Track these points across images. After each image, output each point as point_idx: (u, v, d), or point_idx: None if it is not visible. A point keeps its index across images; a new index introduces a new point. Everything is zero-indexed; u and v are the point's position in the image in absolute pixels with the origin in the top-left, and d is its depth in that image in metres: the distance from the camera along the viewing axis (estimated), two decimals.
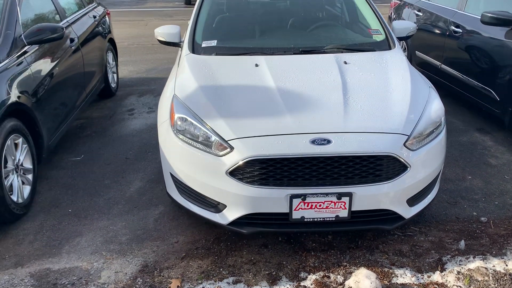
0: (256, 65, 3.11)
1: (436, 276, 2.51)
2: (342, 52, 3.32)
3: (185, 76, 3.10)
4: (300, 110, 2.63)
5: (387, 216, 2.64)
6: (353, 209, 2.53)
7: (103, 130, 4.75)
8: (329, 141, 2.46)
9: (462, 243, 2.81)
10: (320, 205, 2.50)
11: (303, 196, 2.46)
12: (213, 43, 3.42)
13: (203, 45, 3.43)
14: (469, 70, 4.79)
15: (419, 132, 2.63)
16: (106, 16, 5.85)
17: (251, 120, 2.59)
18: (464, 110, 5.11)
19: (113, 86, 5.76)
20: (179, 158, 2.71)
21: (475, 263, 2.52)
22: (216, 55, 3.31)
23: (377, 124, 2.58)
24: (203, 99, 2.81)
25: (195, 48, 3.43)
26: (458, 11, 5.15)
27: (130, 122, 4.98)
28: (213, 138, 2.57)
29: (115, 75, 5.95)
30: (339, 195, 2.47)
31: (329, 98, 2.74)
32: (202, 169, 2.60)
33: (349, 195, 2.48)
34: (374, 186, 2.50)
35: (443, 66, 5.36)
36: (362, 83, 2.91)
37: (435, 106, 2.83)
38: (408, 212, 2.69)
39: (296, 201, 2.48)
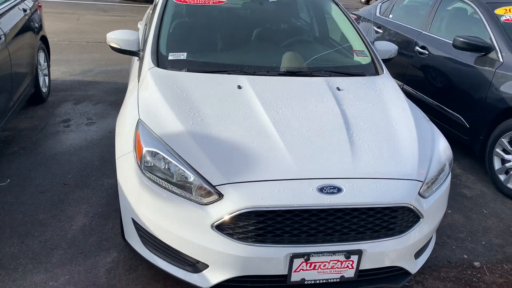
0: (239, 87, 2.62)
1: None
2: (330, 75, 2.93)
3: (152, 97, 2.52)
4: (301, 149, 2.19)
5: (393, 272, 2.28)
6: (360, 268, 2.14)
7: (34, 145, 3.97)
8: (339, 189, 2.05)
9: None
10: (324, 265, 2.08)
11: (307, 256, 2.02)
12: (182, 55, 2.87)
13: (170, 57, 2.87)
14: (435, 94, 4.66)
15: (431, 177, 2.31)
16: (38, 9, 5.02)
17: (244, 161, 2.10)
18: None
19: (44, 91, 4.94)
20: (146, 203, 2.15)
21: None
22: (187, 71, 2.76)
23: (390, 168, 2.21)
24: (179, 128, 2.26)
25: (160, 61, 2.85)
26: (423, 32, 5.02)
27: (66, 136, 4.23)
28: (192, 178, 2.04)
29: (46, 78, 5.12)
30: (348, 254, 2.07)
31: (331, 134, 2.33)
32: (177, 219, 2.06)
33: (359, 253, 2.08)
34: (386, 242, 2.13)
35: (405, 86, 5.21)
36: (362, 115, 2.53)
37: (443, 145, 2.53)
38: (414, 267, 2.36)
39: (297, 262, 2.03)
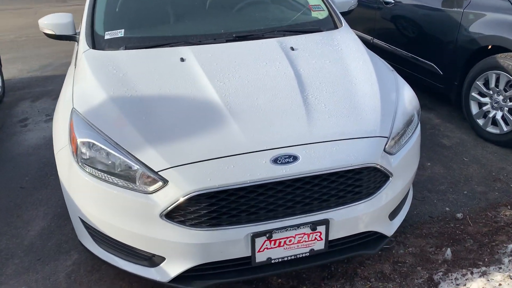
0: (182, 60, 2.39)
1: None
2: (284, 35, 2.70)
3: (87, 82, 2.29)
4: (251, 119, 1.99)
5: (368, 238, 2.13)
6: (330, 238, 1.98)
7: None
8: (295, 158, 1.86)
9: (449, 252, 2.40)
10: (290, 241, 1.91)
11: (269, 233, 1.85)
12: (120, 33, 2.62)
13: (106, 37, 2.62)
14: (406, 44, 4.45)
15: (397, 131, 2.13)
16: None
17: (188, 140, 1.90)
18: None
19: None
20: (89, 199, 1.96)
21: (477, 283, 2.11)
22: (125, 49, 2.52)
23: (349, 127, 2.02)
24: (115, 113, 2.04)
25: (96, 42, 2.60)
26: None
27: (24, 136, 4.00)
28: (136, 167, 1.85)
29: None
30: (314, 225, 1.90)
31: (284, 99, 2.12)
32: (123, 213, 1.88)
33: (326, 222, 1.92)
34: (354, 207, 1.96)
35: (375, 40, 4.99)
36: (318, 74, 2.33)
37: (408, 95, 2.35)
38: (390, 229, 2.21)
39: (259, 241, 1.86)
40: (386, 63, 2.71)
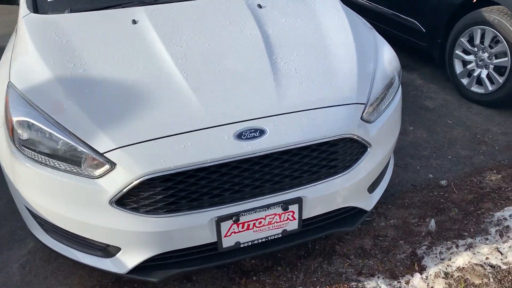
0: (134, 22, 2.11)
1: (418, 281, 1.92)
2: None
3: (25, 52, 2.01)
4: (212, 89, 1.76)
5: (346, 213, 1.96)
6: (304, 217, 1.80)
7: None
8: (262, 132, 1.65)
9: (432, 223, 2.26)
10: (260, 222, 1.73)
11: (235, 217, 1.66)
12: None
13: None
14: (386, 0, 4.18)
15: (376, 96, 1.92)
16: None
17: (139, 116, 1.66)
18: None
19: None
20: (31, 186, 1.73)
21: (463, 258, 1.97)
22: (70, 12, 2.22)
23: (322, 94, 1.80)
24: (57, 89, 1.78)
25: (38, 4, 2.29)
26: None
27: None
28: (80, 148, 1.61)
29: None
30: (285, 205, 1.71)
31: (250, 64, 1.88)
32: (69, 200, 1.66)
33: (298, 201, 1.73)
34: (329, 182, 1.78)
35: None
36: (289, 34, 2.08)
37: (387, 55, 2.13)
38: (369, 202, 2.04)
39: (225, 225, 1.67)
40: (365, 21, 2.46)
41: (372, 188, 2.03)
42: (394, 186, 2.60)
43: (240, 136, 1.62)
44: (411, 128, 3.19)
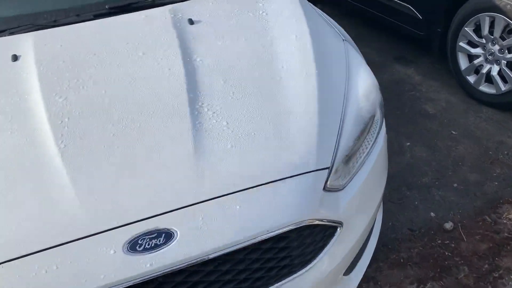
0: (15, 58, 1.54)
1: None
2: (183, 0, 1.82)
3: None
4: (99, 170, 1.20)
5: None
6: None
7: None
8: (169, 236, 1.10)
9: None
10: None
11: None
12: None
13: None
14: None
15: (346, 151, 1.36)
16: None
17: None
18: (374, 34, 3.90)
19: None
20: None
21: None
22: None
23: (266, 161, 1.24)
24: None
25: None
26: None
27: None
28: None
29: None
30: None
31: (160, 122, 1.31)
32: None
33: None
34: (287, 284, 1.23)
35: None
36: (224, 66, 1.50)
37: (364, 84, 1.54)
38: (347, 286, 1.50)
39: None
40: (337, 28, 1.86)
41: (350, 269, 1.49)
42: (386, 232, 2.06)
43: (133, 247, 1.07)
44: (408, 144, 2.62)
